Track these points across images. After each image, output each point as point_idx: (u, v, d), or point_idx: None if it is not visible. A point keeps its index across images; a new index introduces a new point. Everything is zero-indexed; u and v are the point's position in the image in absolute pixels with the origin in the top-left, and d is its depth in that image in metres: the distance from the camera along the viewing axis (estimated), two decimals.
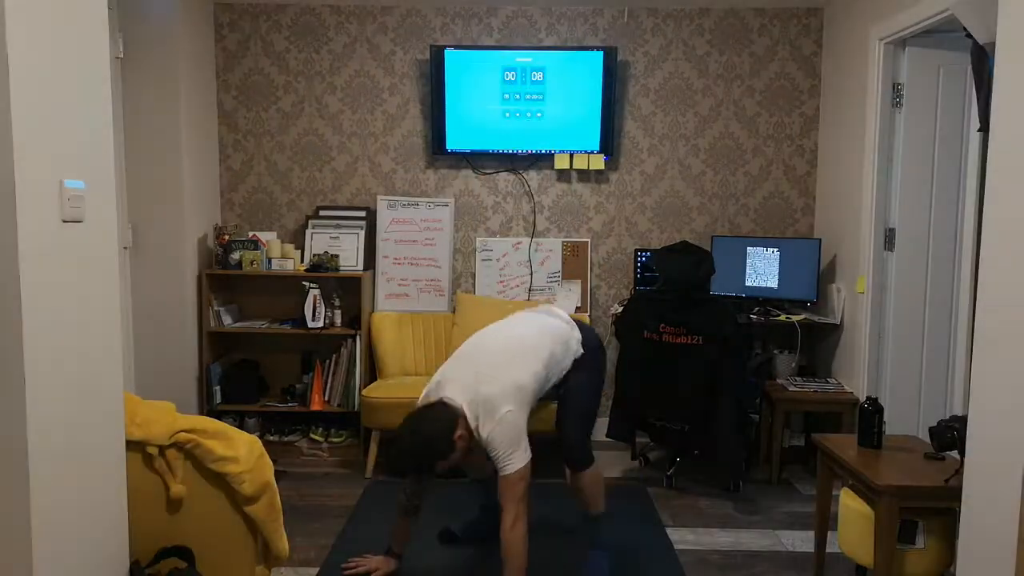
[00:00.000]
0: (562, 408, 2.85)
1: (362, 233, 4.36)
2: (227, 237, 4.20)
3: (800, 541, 3.24)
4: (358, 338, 4.19)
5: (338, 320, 4.24)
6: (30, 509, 1.66)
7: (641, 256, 4.42)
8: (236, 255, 4.17)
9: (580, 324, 2.96)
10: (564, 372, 2.81)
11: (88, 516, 1.90)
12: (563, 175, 4.52)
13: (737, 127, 4.50)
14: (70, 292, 1.81)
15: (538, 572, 2.94)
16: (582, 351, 2.86)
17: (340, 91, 4.48)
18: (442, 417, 2.50)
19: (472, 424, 2.52)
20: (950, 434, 2.39)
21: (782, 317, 4.10)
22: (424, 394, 2.69)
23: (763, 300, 4.26)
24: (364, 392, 3.95)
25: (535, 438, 3.30)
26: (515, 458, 2.50)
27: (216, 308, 4.22)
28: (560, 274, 4.52)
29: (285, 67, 4.47)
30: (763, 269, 4.24)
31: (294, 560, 2.99)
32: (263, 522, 2.24)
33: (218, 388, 4.21)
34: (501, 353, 2.66)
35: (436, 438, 2.47)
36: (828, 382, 4.05)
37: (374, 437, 3.94)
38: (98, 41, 1.94)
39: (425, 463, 2.50)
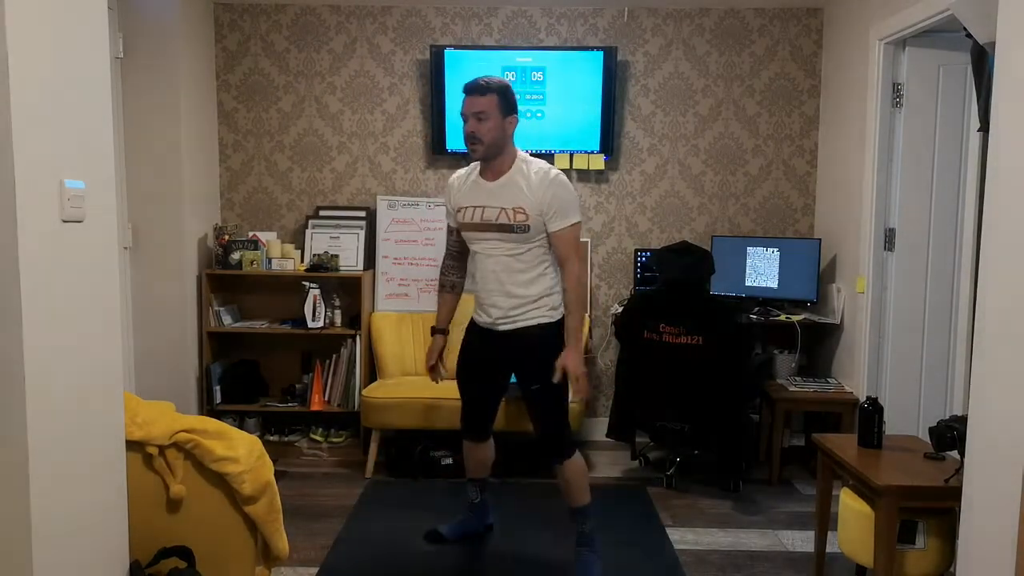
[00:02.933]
0: (533, 406, 2.81)
1: (362, 233, 4.35)
2: (227, 237, 4.20)
3: (800, 541, 3.24)
4: (358, 338, 4.19)
5: (338, 320, 4.24)
6: (30, 509, 1.66)
7: (641, 256, 4.42)
8: (236, 255, 4.16)
9: None
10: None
11: (88, 516, 1.90)
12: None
13: (737, 127, 4.50)
14: (70, 292, 1.81)
15: (528, 573, 2.94)
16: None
17: (340, 91, 4.48)
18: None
19: (522, 164, 2.75)
20: (950, 434, 2.39)
21: (782, 317, 4.10)
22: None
23: (763, 300, 4.26)
24: (364, 392, 3.95)
25: (521, 438, 3.29)
26: (574, 212, 2.71)
27: (216, 308, 4.22)
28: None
29: (285, 67, 4.46)
30: (763, 269, 4.24)
31: (294, 560, 2.99)
32: (263, 522, 2.24)
33: (218, 388, 4.21)
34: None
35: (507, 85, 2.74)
36: (828, 382, 4.05)
37: (374, 437, 3.94)
38: (98, 41, 1.94)
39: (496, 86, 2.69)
